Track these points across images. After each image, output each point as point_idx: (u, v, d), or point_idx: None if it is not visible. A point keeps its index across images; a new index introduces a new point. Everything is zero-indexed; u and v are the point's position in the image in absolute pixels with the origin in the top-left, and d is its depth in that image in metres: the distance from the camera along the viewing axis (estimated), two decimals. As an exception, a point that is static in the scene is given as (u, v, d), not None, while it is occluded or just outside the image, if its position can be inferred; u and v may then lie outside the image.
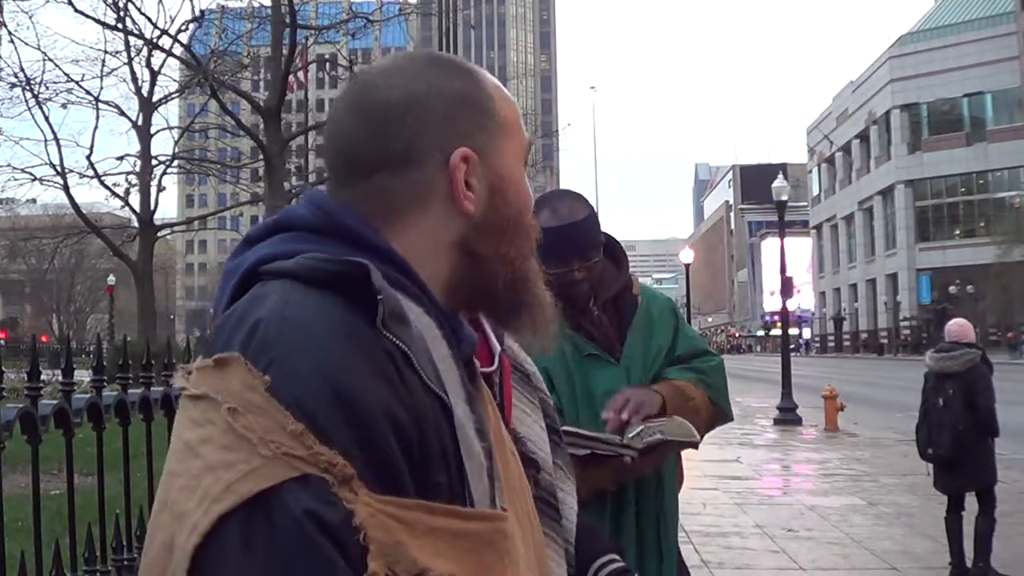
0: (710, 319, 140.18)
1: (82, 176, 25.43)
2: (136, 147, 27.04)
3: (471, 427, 0.89)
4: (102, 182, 25.56)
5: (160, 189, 27.03)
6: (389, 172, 0.93)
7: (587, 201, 2.10)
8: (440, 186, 0.93)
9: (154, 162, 26.99)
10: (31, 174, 25.17)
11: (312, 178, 23.66)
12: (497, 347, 1.15)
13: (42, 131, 24.40)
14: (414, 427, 0.82)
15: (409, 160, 0.93)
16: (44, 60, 24.29)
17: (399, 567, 0.77)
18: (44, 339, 53.00)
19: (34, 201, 37.23)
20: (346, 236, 0.91)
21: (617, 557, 1.31)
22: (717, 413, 2.18)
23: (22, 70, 22.88)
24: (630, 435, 1.91)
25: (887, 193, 69.64)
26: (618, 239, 2.23)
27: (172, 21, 40.94)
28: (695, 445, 2.03)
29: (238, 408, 0.78)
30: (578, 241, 2.03)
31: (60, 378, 2.26)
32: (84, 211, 26.30)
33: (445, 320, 0.91)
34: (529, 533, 0.99)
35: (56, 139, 24.57)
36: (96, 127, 26.57)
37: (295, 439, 0.76)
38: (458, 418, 0.87)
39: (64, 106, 24.07)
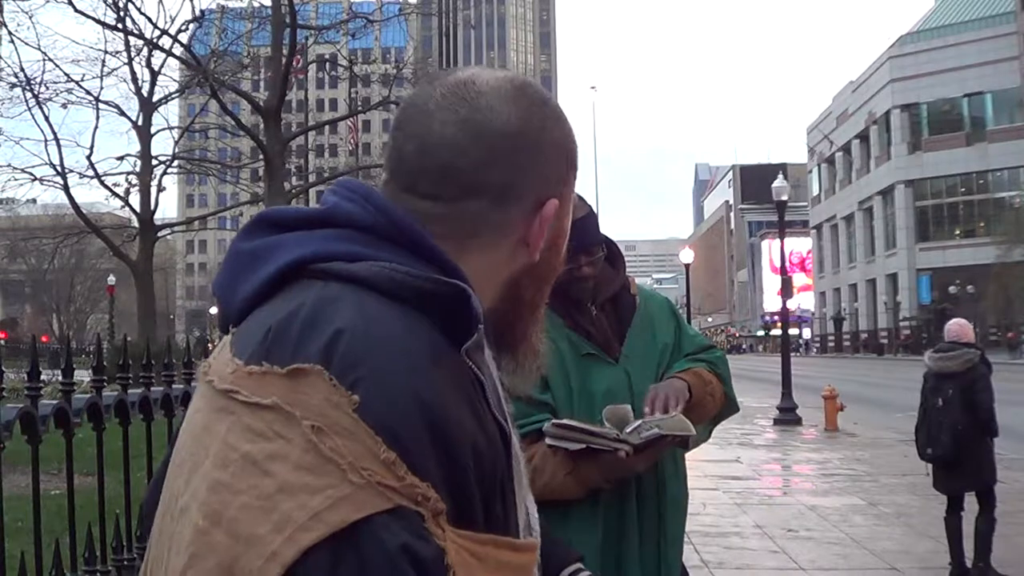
0: (710, 319, 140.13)
1: (82, 176, 25.46)
2: (136, 147, 27.08)
3: (522, 455, 0.88)
4: (102, 182, 25.58)
5: (160, 189, 27.06)
6: (483, 200, 0.88)
7: (584, 200, 2.12)
8: (520, 226, 0.90)
9: (154, 162, 27.00)
10: (31, 174, 25.20)
11: (312, 178, 23.65)
12: None
13: (42, 131, 24.45)
14: (490, 460, 0.79)
15: (505, 196, 0.89)
16: (44, 60, 24.28)
17: None
18: (44, 339, 53.02)
19: (34, 201, 37.21)
20: (410, 245, 0.84)
21: (582, 566, 1.33)
22: (728, 402, 2.23)
23: (22, 70, 22.95)
24: (627, 430, 1.90)
25: (887, 193, 69.62)
26: (618, 239, 2.25)
27: (172, 21, 40.89)
28: (687, 442, 2.04)
29: (323, 427, 0.72)
30: (582, 236, 2.04)
31: (60, 378, 2.26)
32: (84, 211, 26.31)
33: (491, 342, 0.89)
34: None
35: (56, 139, 24.60)
36: (96, 127, 26.52)
37: (387, 468, 0.72)
38: (514, 446, 0.85)
39: (64, 106, 24.13)
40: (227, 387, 0.77)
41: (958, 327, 6.37)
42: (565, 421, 1.91)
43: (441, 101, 0.90)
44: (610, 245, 2.16)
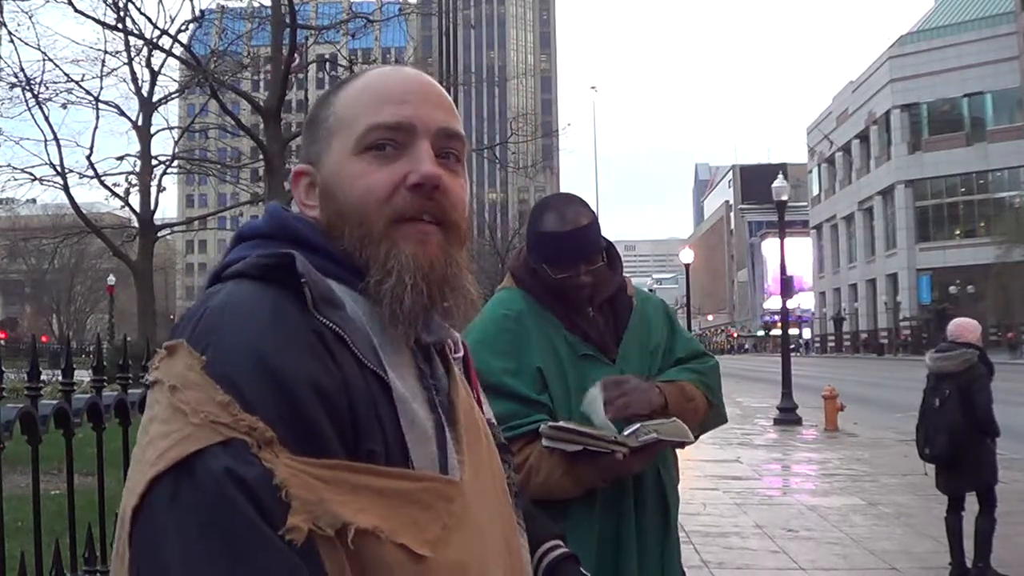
0: (710, 319, 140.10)
1: (82, 176, 25.45)
2: (136, 147, 27.08)
3: (418, 401, 0.98)
4: (102, 182, 25.58)
5: (160, 189, 27.06)
6: None
7: (589, 206, 2.12)
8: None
9: (154, 162, 27.00)
10: (31, 174, 25.21)
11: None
12: (458, 337, 1.18)
13: (42, 131, 24.48)
14: (343, 399, 0.90)
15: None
16: (44, 60, 24.42)
17: (322, 522, 0.84)
18: (44, 339, 53.04)
19: (34, 201, 37.26)
20: (290, 238, 1.02)
21: (561, 543, 1.31)
22: (714, 414, 2.21)
23: (22, 70, 22.94)
24: (626, 432, 1.91)
25: (887, 193, 69.61)
26: (618, 239, 2.25)
27: (172, 21, 41.03)
28: (683, 445, 2.04)
29: (177, 385, 0.87)
30: (584, 246, 2.05)
31: (60, 378, 2.26)
32: (84, 211, 26.31)
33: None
34: (495, 507, 1.04)
35: (56, 139, 24.63)
36: (96, 127, 26.61)
37: (222, 408, 0.85)
38: (398, 391, 0.96)
39: (64, 106, 24.12)
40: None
41: (957, 327, 6.36)
42: (562, 423, 1.91)
43: None
44: (609, 247, 2.17)
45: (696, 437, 2.23)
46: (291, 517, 0.83)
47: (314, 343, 0.91)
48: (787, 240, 20.32)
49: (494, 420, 1.28)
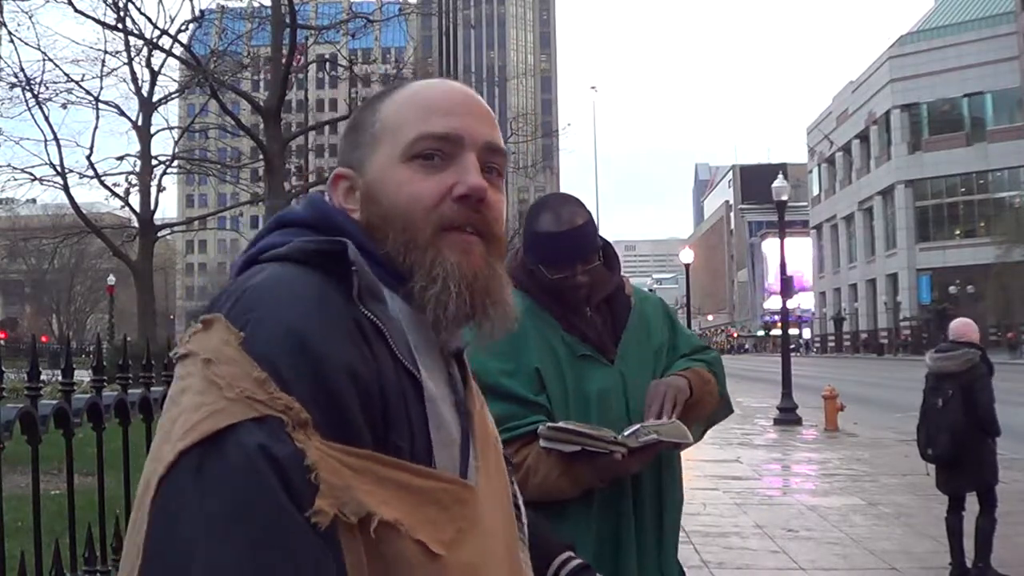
0: (710, 319, 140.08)
1: (82, 176, 25.45)
2: (136, 147, 27.07)
3: (446, 403, 0.99)
4: (102, 182, 25.57)
5: (160, 189, 27.03)
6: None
7: (584, 206, 2.12)
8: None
9: (154, 162, 26.98)
10: (31, 174, 25.21)
11: (312, 178, 23.63)
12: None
13: (42, 131, 24.47)
14: (377, 389, 0.90)
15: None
16: (44, 60, 24.42)
17: (347, 508, 0.84)
18: (44, 339, 53.03)
19: (34, 201, 37.28)
20: (335, 231, 1.02)
21: (573, 554, 1.37)
22: (723, 404, 2.23)
23: (22, 70, 22.96)
24: (625, 433, 1.91)
25: (887, 193, 69.61)
26: (618, 239, 2.25)
27: (172, 21, 41.04)
28: (682, 445, 2.04)
29: (212, 359, 0.87)
30: (580, 245, 2.05)
31: (60, 378, 2.26)
32: (84, 211, 26.29)
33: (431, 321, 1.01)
34: (502, 515, 1.05)
35: (56, 139, 24.61)
36: (96, 127, 26.62)
37: (258, 385, 0.85)
38: (429, 391, 0.96)
39: (64, 106, 24.14)
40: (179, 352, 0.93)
41: (960, 326, 6.36)
42: (561, 424, 1.91)
43: None
44: (605, 247, 2.16)
45: (705, 430, 2.25)
46: (318, 500, 0.82)
47: (353, 331, 0.91)
48: (787, 240, 20.33)
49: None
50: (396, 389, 0.93)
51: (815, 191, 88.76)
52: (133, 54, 25.02)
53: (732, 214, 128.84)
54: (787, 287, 20.00)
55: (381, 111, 1.10)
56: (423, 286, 1.01)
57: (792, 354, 20.48)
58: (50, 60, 24.95)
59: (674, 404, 1.99)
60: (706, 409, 2.14)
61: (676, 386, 2.03)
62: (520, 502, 1.27)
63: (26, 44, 25.97)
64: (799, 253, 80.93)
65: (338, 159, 1.13)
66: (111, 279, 45.41)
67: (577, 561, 1.33)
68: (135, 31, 21.37)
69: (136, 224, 27.04)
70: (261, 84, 27.90)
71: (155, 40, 21.41)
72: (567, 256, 2.04)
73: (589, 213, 2.10)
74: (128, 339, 3.13)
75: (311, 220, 1.04)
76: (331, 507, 0.83)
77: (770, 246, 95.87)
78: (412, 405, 0.94)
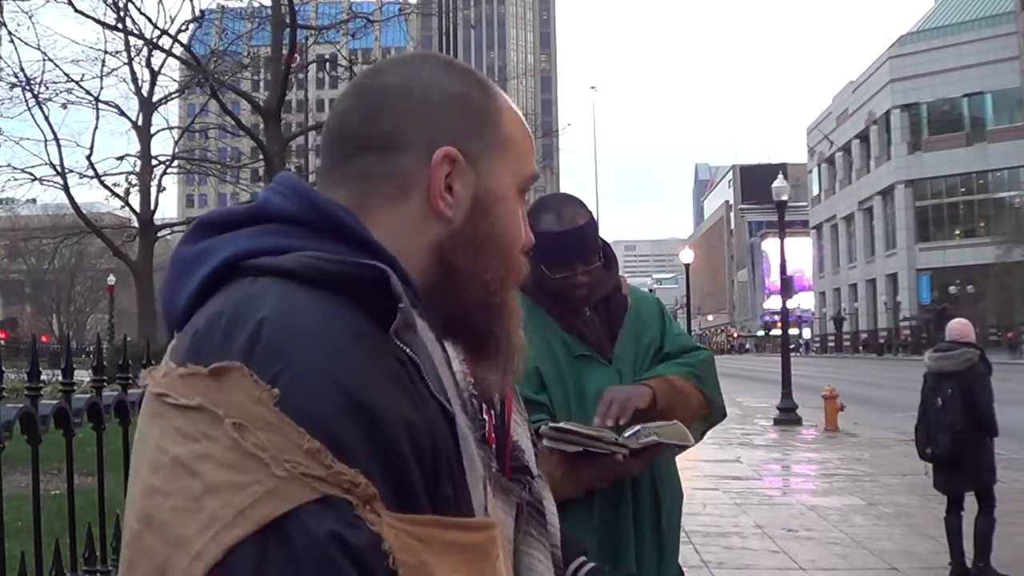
0: (710, 319, 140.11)
1: (82, 176, 25.47)
2: (136, 147, 27.10)
3: (473, 437, 0.86)
4: (102, 182, 25.59)
5: (160, 189, 27.08)
6: (371, 155, 0.89)
7: (585, 206, 2.12)
8: (421, 182, 0.88)
9: (154, 162, 27.01)
10: (31, 174, 25.22)
11: (312, 178, 23.66)
12: None
13: (42, 131, 24.47)
14: (428, 439, 0.77)
15: (391, 145, 0.89)
16: (44, 60, 24.33)
17: None
18: (44, 339, 53.00)
19: (34, 201, 37.16)
20: (336, 231, 0.84)
21: (585, 558, 1.39)
22: (709, 406, 2.18)
23: (22, 70, 22.96)
24: (626, 434, 1.91)
25: (887, 193, 69.60)
26: (618, 239, 2.25)
27: (172, 21, 40.87)
28: (683, 448, 2.03)
29: (245, 424, 0.71)
30: (581, 246, 2.05)
31: (60, 378, 2.26)
32: (84, 211, 26.32)
33: (436, 323, 0.86)
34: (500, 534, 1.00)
35: (56, 139, 24.62)
36: (96, 127, 26.56)
37: (312, 458, 0.71)
38: (460, 427, 0.83)
39: (64, 106, 24.14)
40: (159, 391, 0.76)
41: (960, 326, 6.37)
42: (563, 424, 1.91)
43: (350, 81, 0.97)
44: (604, 247, 2.16)
45: (702, 434, 2.23)
46: None
47: (399, 373, 0.78)
48: (787, 240, 20.33)
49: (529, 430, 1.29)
50: (443, 432, 0.80)
51: (815, 191, 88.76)
52: (133, 54, 25.06)
53: (732, 214, 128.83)
54: (787, 287, 20.01)
55: (504, 114, 0.94)
56: (488, 334, 0.94)
57: (792, 354, 20.48)
58: (50, 60, 24.90)
59: (621, 411, 1.97)
60: (679, 417, 2.05)
61: (631, 394, 2.01)
62: (545, 507, 1.28)
63: (26, 44, 25.93)
64: (799, 253, 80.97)
65: (431, 128, 0.89)
66: (111, 279, 45.40)
67: (591, 565, 1.36)
68: (135, 31, 21.43)
69: (136, 224, 27.06)
70: (261, 84, 27.94)
71: (155, 40, 21.46)
72: (567, 256, 2.04)
73: (590, 213, 2.11)
74: (128, 339, 3.13)
75: (300, 215, 0.84)
76: None
77: (770, 245, 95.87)
78: (450, 447, 0.82)
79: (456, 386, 0.87)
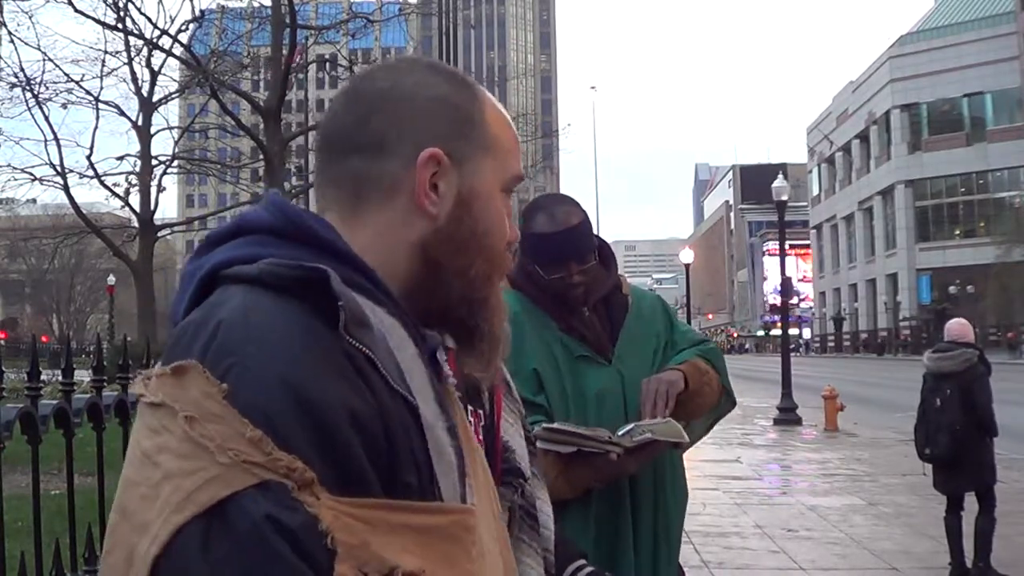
0: (710, 319, 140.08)
1: (82, 176, 25.45)
2: (136, 147, 27.09)
3: (441, 427, 0.90)
4: (102, 182, 25.58)
5: (160, 189, 27.08)
6: (361, 157, 0.94)
7: (580, 205, 2.11)
8: (407, 183, 0.94)
9: (154, 162, 27.01)
10: (31, 174, 25.20)
11: (312, 178, 23.65)
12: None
13: (42, 131, 24.45)
14: (379, 428, 0.82)
15: (381, 148, 0.94)
16: (44, 60, 24.30)
17: (369, 567, 0.77)
18: (44, 339, 53.00)
19: (34, 201, 37.15)
20: (307, 239, 0.90)
21: (585, 562, 1.37)
22: (724, 395, 2.20)
23: (22, 70, 22.93)
24: (620, 433, 1.90)
25: (887, 193, 69.62)
26: (618, 239, 2.25)
27: (172, 21, 40.91)
28: (680, 445, 2.03)
29: (195, 416, 0.78)
30: (575, 245, 2.04)
31: (60, 378, 2.26)
32: (84, 211, 26.30)
33: (409, 319, 0.91)
34: (493, 527, 1.00)
35: (56, 139, 24.61)
36: (96, 127, 26.57)
37: (253, 446, 0.76)
38: (426, 418, 0.87)
39: (64, 106, 24.12)
40: (139, 392, 0.83)
41: (959, 326, 6.37)
42: (555, 425, 1.90)
43: (342, 86, 1.02)
44: (602, 245, 2.16)
45: (711, 424, 2.24)
46: (338, 565, 0.76)
47: (346, 366, 0.82)
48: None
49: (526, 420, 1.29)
50: (399, 422, 0.85)
51: (815, 191, 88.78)
52: (133, 54, 25.04)
53: (732, 214, 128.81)
54: (787, 288, 20.00)
55: (487, 114, 0.99)
56: (473, 325, 0.99)
57: (792, 354, 20.48)
58: (50, 60, 24.91)
59: (667, 400, 1.98)
60: (707, 399, 2.11)
61: (668, 381, 2.02)
62: (538, 509, 1.27)
63: (26, 44, 25.88)
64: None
65: (416, 130, 0.94)
66: (111, 279, 45.42)
67: (590, 569, 1.34)
68: (135, 31, 21.42)
69: (136, 224, 27.06)
70: (261, 84, 27.94)
71: (155, 40, 21.45)
72: (562, 256, 2.03)
73: (584, 213, 2.10)
74: (128, 339, 3.13)
75: (277, 226, 0.91)
76: (352, 570, 0.77)
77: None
78: (414, 436, 0.86)
79: (430, 380, 0.91)
